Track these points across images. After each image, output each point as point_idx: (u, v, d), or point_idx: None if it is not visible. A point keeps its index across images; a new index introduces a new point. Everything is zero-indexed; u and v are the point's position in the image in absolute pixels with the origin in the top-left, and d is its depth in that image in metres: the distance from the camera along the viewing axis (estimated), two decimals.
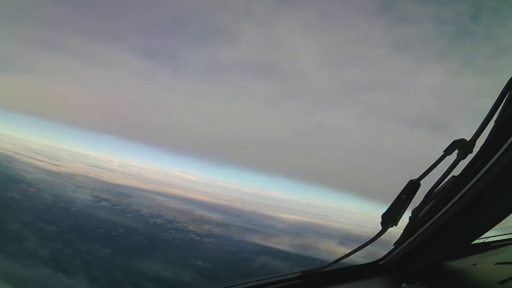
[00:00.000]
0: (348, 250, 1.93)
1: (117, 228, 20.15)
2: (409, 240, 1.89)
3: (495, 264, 1.91)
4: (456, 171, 1.58)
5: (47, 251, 14.32)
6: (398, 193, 1.70)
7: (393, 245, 2.01)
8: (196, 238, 22.08)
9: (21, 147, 35.94)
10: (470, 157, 1.55)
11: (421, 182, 1.67)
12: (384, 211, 1.76)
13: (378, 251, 2.12)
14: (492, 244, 2.39)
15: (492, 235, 2.25)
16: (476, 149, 1.54)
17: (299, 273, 1.94)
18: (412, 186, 1.67)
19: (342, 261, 1.95)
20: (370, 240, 1.84)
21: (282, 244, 24.92)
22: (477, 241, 2.15)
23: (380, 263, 2.09)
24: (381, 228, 1.78)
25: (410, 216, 1.81)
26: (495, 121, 1.48)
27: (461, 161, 1.55)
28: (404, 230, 1.88)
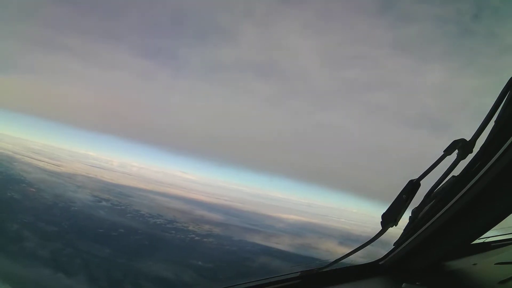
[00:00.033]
0: (348, 250, 1.93)
1: (117, 228, 20.15)
2: (409, 240, 1.89)
3: (495, 264, 1.91)
4: (456, 171, 1.58)
5: (47, 251, 14.32)
6: (398, 193, 1.70)
7: (393, 245, 2.01)
8: (196, 238, 22.08)
9: (21, 147, 36.01)
10: (470, 157, 1.55)
11: (421, 182, 1.67)
12: (384, 211, 1.76)
13: (378, 251, 2.12)
14: (492, 244, 2.39)
15: (492, 235, 2.25)
16: (476, 149, 1.54)
17: (299, 273, 1.94)
18: (412, 186, 1.67)
19: (342, 261, 1.95)
20: (370, 240, 1.84)
21: (282, 244, 24.93)
22: (477, 241, 2.15)
23: (380, 263, 2.09)
24: (381, 228, 1.77)
25: (410, 216, 1.81)
26: (495, 121, 1.48)
27: (461, 161, 1.55)
28: (404, 230, 1.88)
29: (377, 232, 1.80)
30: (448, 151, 1.56)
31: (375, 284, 2.05)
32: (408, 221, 1.83)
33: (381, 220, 1.77)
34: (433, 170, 1.60)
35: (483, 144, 1.53)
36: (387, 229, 1.77)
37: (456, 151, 1.55)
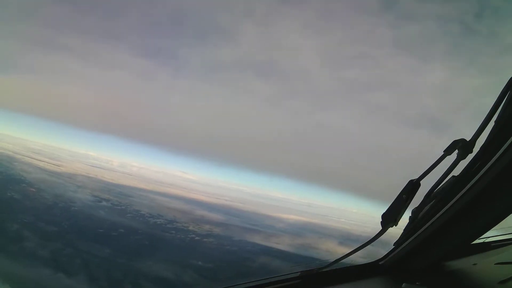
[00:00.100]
0: (348, 250, 1.93)
1: (117, 228, 20.17)
2: (409, 240, 1.89)
3: (495, 264, 1.91)
4: (456, 171, 1.58)
5: (47, 251, 14.34)
6: (398, 193, 1.70)
7: (393, 245, 2.01)
8: (196, 238, 22.10)
9: (21, 147, 36.06)
10: (470, 157, 1.55)
11: (421, 182, 1.67)
12: (384, 211, 1.76)
13: (378, 251, 2.12)
14: (492, 244, 2.39)
15: (492, 235, 2.25)
16: (476, 149, 1.54)
17: (299, 273, 1.94)
18: (412, 186, 1.67)
19: (342, 261, 1.95)
20: (370, 240, 1.84)
21: (282, 244, 24.95)
22: (477, 241, 2.15)
23: (380, 263, 2.09)
24: (381, 228, 1.77)
25: (410, 216, 1.81)
26: (495, 121, 1.48)
27: (461, 161, 1.55)
28: (404, 230, 1.88)
29: (377, 232, 1.79)
30: (448, 151, 1.56)
31: (375, 284, 2.05)
32: (408, 221, 1.83)
33: (381, 220, 1.77)
34: (433, 170, 1.60)
35: (483, 144, 1.53)
36: (387, 229, 1.77)
37: (456, 151, 1.55)
